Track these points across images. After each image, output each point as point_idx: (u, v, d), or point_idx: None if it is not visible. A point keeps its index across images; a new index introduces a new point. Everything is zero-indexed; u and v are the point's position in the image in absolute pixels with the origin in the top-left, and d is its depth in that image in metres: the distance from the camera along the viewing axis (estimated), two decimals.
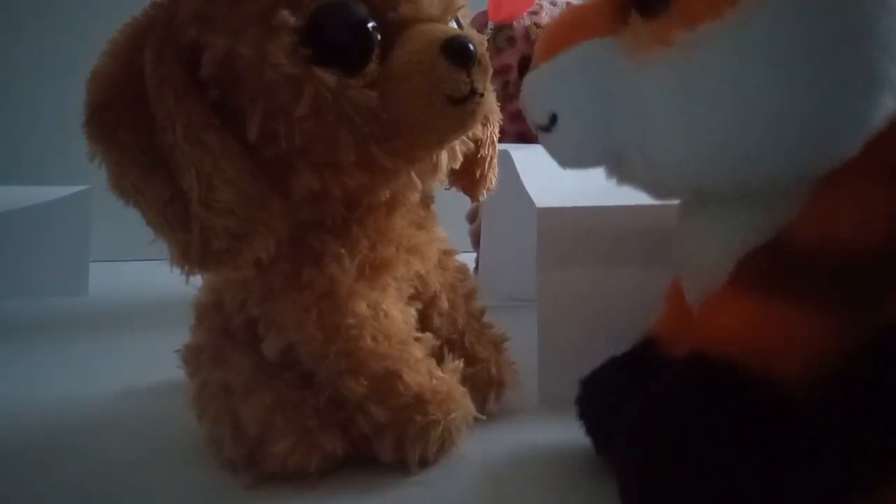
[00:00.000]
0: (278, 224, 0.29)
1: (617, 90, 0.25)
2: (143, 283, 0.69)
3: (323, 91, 0.28)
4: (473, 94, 0.29)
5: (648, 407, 0.25)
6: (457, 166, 0.35)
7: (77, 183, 0.71)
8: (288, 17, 0.27)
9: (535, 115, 0.28)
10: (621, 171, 0.28)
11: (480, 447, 0.33)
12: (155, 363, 0.40)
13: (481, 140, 0.37)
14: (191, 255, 0.28)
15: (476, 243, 0.65)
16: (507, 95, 0.64)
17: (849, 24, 0.22)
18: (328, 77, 0.28)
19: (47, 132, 0.88)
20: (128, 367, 0.47)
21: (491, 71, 0.31)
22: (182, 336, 0.37)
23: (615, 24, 0.26)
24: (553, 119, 0.27)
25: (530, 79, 0.28)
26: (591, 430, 0.31)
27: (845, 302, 0.23)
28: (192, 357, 0.36)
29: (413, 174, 0.33)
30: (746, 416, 0.23)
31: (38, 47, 0.92)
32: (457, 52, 0.28)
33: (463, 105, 0.29)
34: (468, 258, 0.55)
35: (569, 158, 0.29)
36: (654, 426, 0.24)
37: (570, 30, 0.27)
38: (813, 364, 0.23)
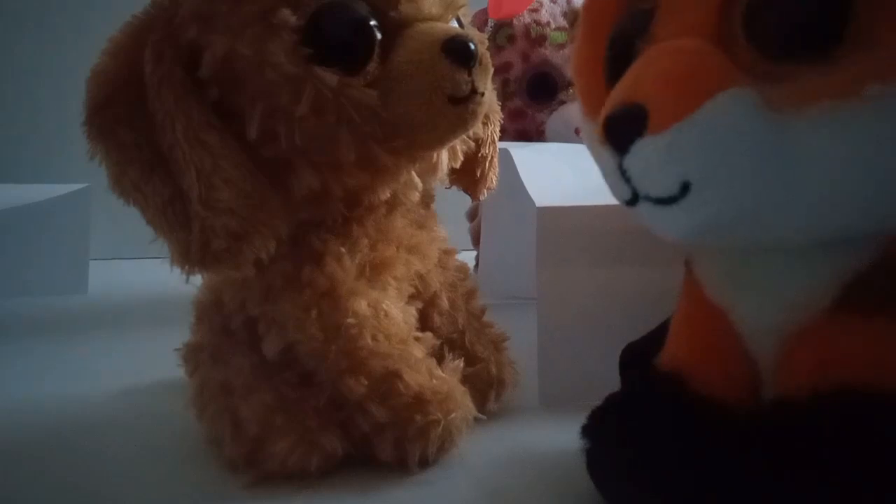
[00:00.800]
0: (278, 223, 0.29)
1: (766, 149, 0.21)
2: (143, 281, 0.69)
3: (323, 90, 0.28)
4: (474, 94, 0.29)
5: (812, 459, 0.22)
6: (457, 165, 0.35)
7: (76, 181, 0.71)
8: (288, 16, 0.27)
9: (663, 185, 0.22)
10: (739, 237, 0.24)
11: (480, 447, 0.33)
12: (155, 362, 0.40)
13: (482, 139, 0.37)
14: (191, 255, 0.28)
15: (476, 242, 0.65)
16: (508, 93, 0.64)
17: None
18: (329, 76, 0.28)
19: (47, 131, 0.88)
20: (128, 366, 0.47)
21: (492, 70, 0.31)
22: (182, 335, 0.37)
23: (747, 72, 0.22)
24: (683, 190, 0.22)
25: (656, 144, 0.22)
26: (607, 489, 0.27)
27: None
28: (192, 356, 0.36)
29: (413, 173, 0.33)
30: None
31: (38, 47, 0.92)
32: (458, 51, 0.28)
33: (464, 104, 0.29)
34: (468, 257, 0.55)
35: (689, 231, 0.24)
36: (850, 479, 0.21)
37: (697, 83, 0.22)
38: None
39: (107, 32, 0.29)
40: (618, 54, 0.26)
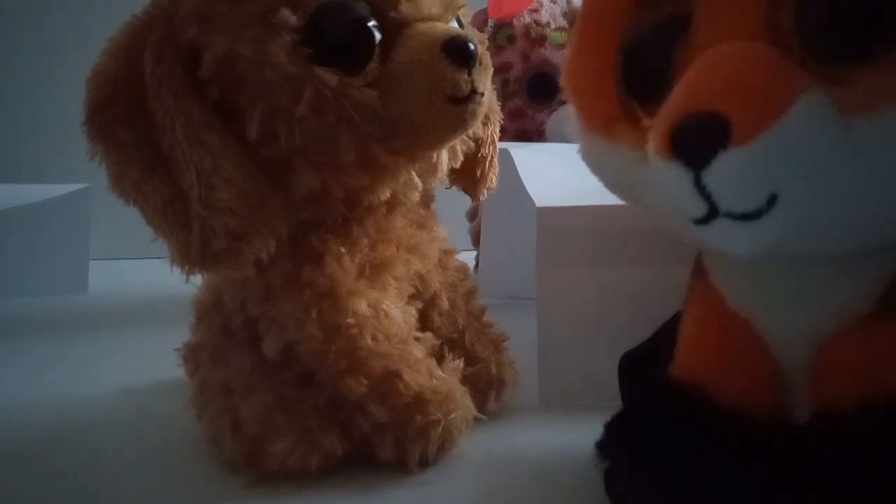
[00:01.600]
0: (278, 223, 0.29)
1: (845, 157, 0.20)
2: (143, 281, 0.69)
3: (323, 90, 0.28)
4: (474, 94, 0.29)
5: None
6: (457, 165, 0.35)
7: (77, 181, 0.71)
8: (288, 16, 0.27)
9: (752, 199, 0.21)
10: (810, 246, 0.23)
11: (480, 447, 0.33)
12: (155, 362, 0.40)
13: (482, 139, 0.37)
14: (191, 255, 0.28)
15: (476, 242, 0.65)
16: (508, 93, 0.64)
17: None
18: (329, 76, 0.28)
19: (47, 131, 0.88)
20: (127, 366, 0.47)
21: (492, 70, 0.31)
22: (182, 335, 0.37)
23: (812, 74, 0.20)
24: (771, 201, 0.21)
25: (743, 156, 0.20)
26: None
27: None
28: (192, 356, 0.36)
29: (413, 173, 0.33)
30: None
31: (38, 47, 0.92)
32: (458, 51, 0.28)
33: (464, 104, 0.29)
34: (468, 257, 0.55)
35: (776, 244, 0.22)
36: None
37: (777, 89, 0.20)
38: None
39: (107, 32, 0.29)
40: (639, 63, 0.25)
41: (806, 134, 0.20)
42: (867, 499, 0.21)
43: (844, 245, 0.22)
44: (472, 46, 0.29)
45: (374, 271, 0.33)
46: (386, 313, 0.32)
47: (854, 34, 0.20)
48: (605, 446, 0.27)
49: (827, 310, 0.23)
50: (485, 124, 0.37)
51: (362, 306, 0.31)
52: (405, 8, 0.29)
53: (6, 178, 0.78)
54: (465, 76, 0.29)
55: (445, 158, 0.33)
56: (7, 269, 0.69)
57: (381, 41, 0.29)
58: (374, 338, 0.31)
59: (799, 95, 0.20)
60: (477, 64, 0.29)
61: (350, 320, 0.31)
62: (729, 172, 0.20)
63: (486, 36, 0.33)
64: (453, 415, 0.31)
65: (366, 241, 0.33)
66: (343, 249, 0.32)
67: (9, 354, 0.52)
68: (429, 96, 0.28)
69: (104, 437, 0.37)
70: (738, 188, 0.21)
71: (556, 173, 0.44)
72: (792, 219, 0.21)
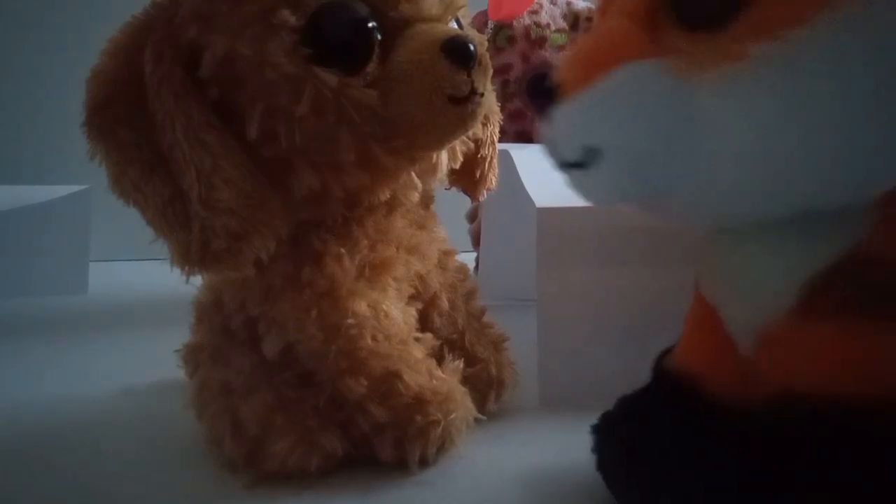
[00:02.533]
0: (278, 223, 0.29)
1: (671, 118, 0.22)
2: (143, 282, 0.69)
3: (323, 90, 0.28)
4: (474, 94, 0.29)
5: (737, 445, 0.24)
6: (457, 166, 0.35)
7: (77, 182, 0.71)
8: (288, 16, 0.27)
9: (567, 150, 0.24)
10: (665, 208, 0.25)
11: (480, 447, 0.33)
12: (155, 363, 0.40)
13: (481, 140, 0.37)
14: (191, 255, 0.28)
15: (476, 243, 0.65)
16: (507, 94, 0.64)
17: None
18: (329, 76, 0.28)
19: (47, 132, 0.88)
20: (128, 366, 0.47)
21: (491, 71, 0.31)
22: (182, 335, 0.37)
23: (655, 43, 0.22)
24: (590, 155, 0.23)
25: (561, 111, 0.24)
26: (619, 491, 0.28)
27: None
28: (192, 356, 0.36)
29: (413, 174, 0.33)
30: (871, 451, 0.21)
31: (38, 47, 0.92)
32: (457, 51, 0.28)
33: (463, 105, 0.29)
34: (468, 258, 0.55)
35: (606, 197, 0.25)
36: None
37: (605, 53, 0.23)
38: None
39: (107, 32, 0.29)
40: None
41: (623, 93, 0.22)
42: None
43: (722, 209, 0.23)
44: (471, 47, 0.29)
45: (374, 272, 0.33)
46: (386, 314, 0.32)
47: (702, 7, 0.22)
48: (599, 433, 0.28)
49: (759, 303, 0.24)
50: (484, 125, 0.37)
51: (362, 307, 0.31)
52: (405, 8, 0.29)
53: (7, 180, 0.78)
54: (465, 77, 0.29)
55: (445, 159, 0.33)
56: (7, 270, 0.69)
57: (382, 41, 0.29)
58: (373, 338, 0.31)
59: (626, 62, 0.22)
60: (476, 64, 0.29)
61: (350, 320, 0.31)
62: (554, 124, 0.24)
63: (485, 37, 0.33)
64: (453, 415, 0.31)
65: (366, 242, 0.33)
66: (343, 250, 0.32)
67: (9, 354, 0.52)
68: (428, 96, 0.29)
69: (104, 437, 0.37)
70: (557, 139, 0.24)
71: (556, 174, 0.44)
72: (613, 172, 0.23)
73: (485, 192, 0.39)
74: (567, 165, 0.25)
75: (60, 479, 0.32)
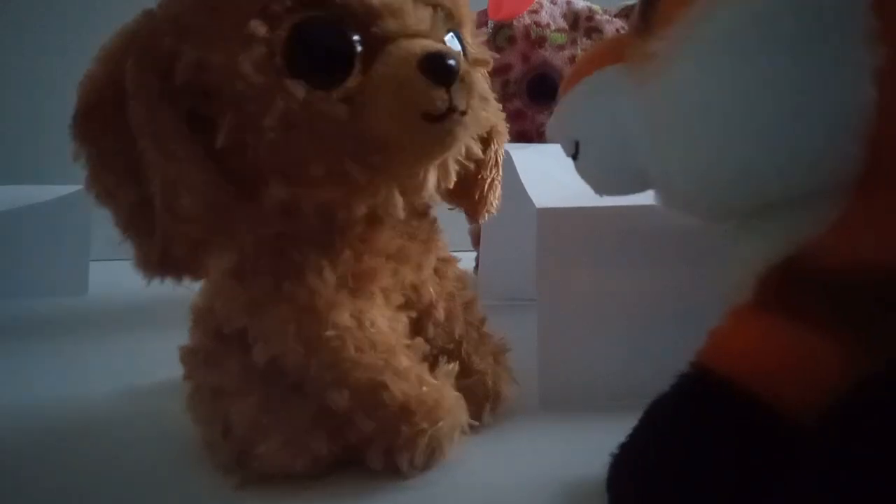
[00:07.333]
0: (242, 234, 0.29)
1: (624, 113, 0.25)
2: (143, 282, 0.69)
3: (292, 103, 0.27)
4: (452, 112, 0.29)
5: (645, 418, 0.25)
6: (450, 186, 0.33)
7: (77, 182, 0.70)
8: (260, 27, 0.27)
9: (563, 144, 0.29)
10: (658, 195, 0.27)
11: (479, 449, 0.33)
12: (155, 363, 0.40)
13: (483, 160, 0.36)
14: (151, 260, 0.28)
15: (476, 243, 0.65)
16: (507, 95, 0.64)
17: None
18: (297, 89, 0.27)
19: (47, 132, 0.87)
20: (128, 366, 0.47)
21: (475, 89, 0.30)
22: (182, 336, 0.37)
23: (629, 50, 0.25)
24: (577, 147, 0.28)
25: (557, 109, 0.29)
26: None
27: (863, 326, 0.21)
28: (188, 360, 0.36)
29: (395, 191, 0.31)
30: (742, 437, 0.22)
31: (38, 48, 0.92)
32: (434, 67, 0.28)
33: (440, 122, 0.28)
34: (468, 257, 0.55)
35: (600, 185, 0.29)
36: (649, 438, 0.24)
37: (590, 60, 0.27)
38: (821, 391, 0.21)
39: (107, 33, 0.29)
40: None
41: (593, 96, 0.27)
42: None
43: (697, 198, 0.25)
44: (451, 63, 0.28)
45: (359, 282, 0.32)
46: (372, 322, 0.31)
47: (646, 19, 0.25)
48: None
49: (731, 296, 0.25)
50: (487, 145, 0.36)
51: (344, 318, 0.31)
52: (388, 24, 0.28)
53: (6, 179, 0.78)
54: (443, 93, 0.28)
55: (433, 177, 0.32)
56: (7, 270, 0.69)
57: (363, 56, 0.28)
58: (357, 348, 0.30)
59: (597, 70, 0.27)
60: (457, 81, 0.28)
61: (330, 332, 0.30)
62: (550, 123, 0.30)
63: (484, 37, 0.32)
64: (440, 423, 0.30)
65: (349, 253, 0.32)
66: (325, 262, 0.31)
67: (8, 354, 0.52)
68: (402, 112, 0.28)
69: (104, 437, 0.37)
70: (554, 135, 0.30)
71: (556, 174, 0.44)
72: (591, 159, 0.28)
73: (486, 214, 0.39)
74: (571, 157, 0.29)
75: (60, 480, 0.32)
